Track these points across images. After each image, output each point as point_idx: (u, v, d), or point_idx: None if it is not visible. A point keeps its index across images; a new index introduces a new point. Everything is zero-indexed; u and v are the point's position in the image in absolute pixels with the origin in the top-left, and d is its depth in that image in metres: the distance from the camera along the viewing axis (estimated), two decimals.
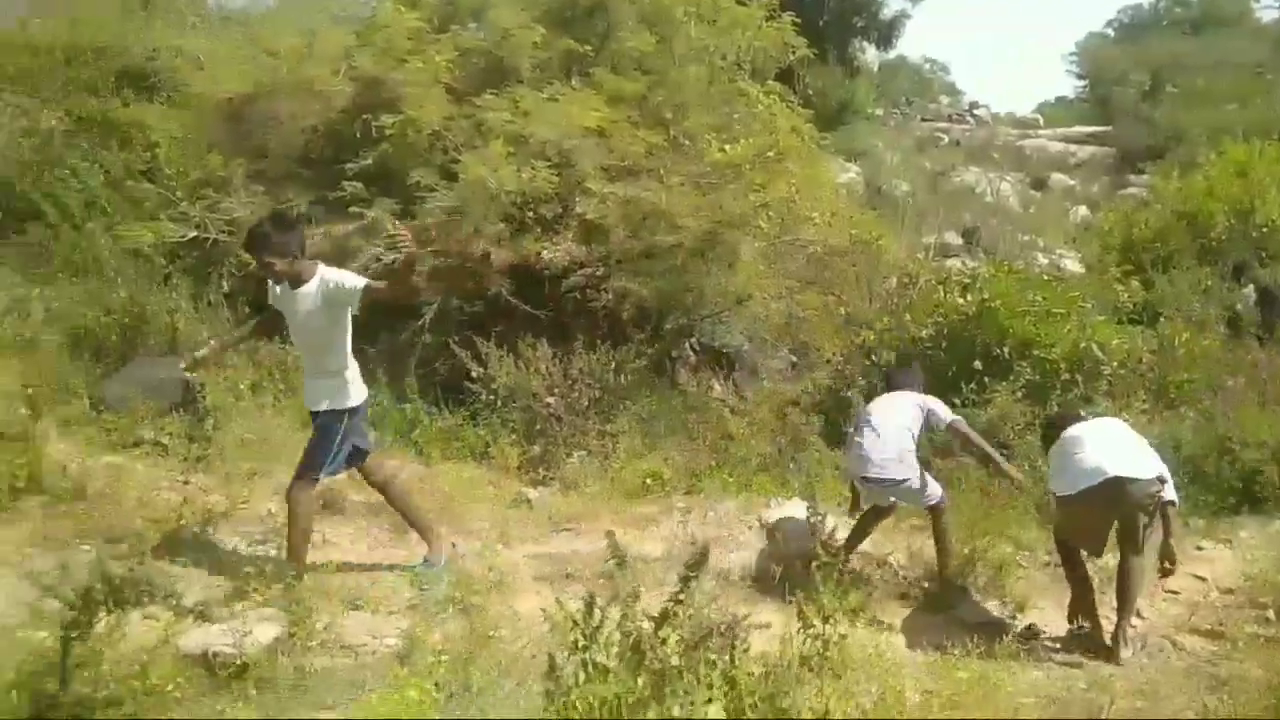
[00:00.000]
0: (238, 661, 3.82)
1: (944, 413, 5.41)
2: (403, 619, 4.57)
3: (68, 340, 6.90)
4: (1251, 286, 11.71)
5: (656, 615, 2.78)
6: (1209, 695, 3.98)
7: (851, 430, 5.67)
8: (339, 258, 7.35)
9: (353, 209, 7.37)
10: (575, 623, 3.12)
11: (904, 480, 5.09)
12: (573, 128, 7.62)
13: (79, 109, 10.38)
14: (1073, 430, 5.04)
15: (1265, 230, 12.45)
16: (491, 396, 6.76)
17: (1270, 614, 4.93)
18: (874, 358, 8.12)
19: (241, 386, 6.61)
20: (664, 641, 2.75)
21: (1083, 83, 36.28)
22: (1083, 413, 5.66)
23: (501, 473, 6.35)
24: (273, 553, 5.21)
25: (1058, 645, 4.69)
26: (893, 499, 5.28)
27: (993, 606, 4.97)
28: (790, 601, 3.92)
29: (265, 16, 11.31)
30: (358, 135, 7.81)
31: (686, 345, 9.39)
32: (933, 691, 3.76)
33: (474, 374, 6.82)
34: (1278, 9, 37.08)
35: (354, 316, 4.55)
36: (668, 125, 8.53)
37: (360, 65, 8.03)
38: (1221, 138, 15.84)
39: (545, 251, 7.74)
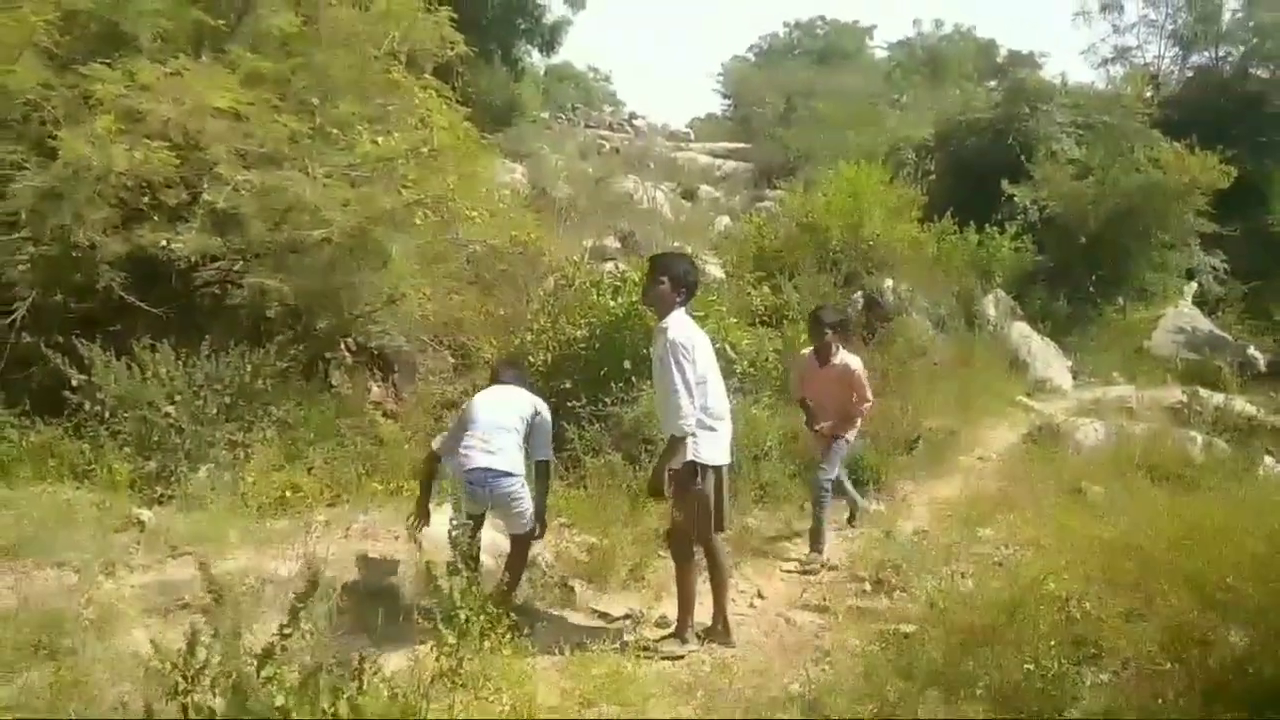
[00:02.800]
0: None
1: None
2: None
3: None
4: (860, 293, 13.38)
5: (259, 654, 2.53)
6: (814, 666, 4.40)
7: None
8: None
9: None
10: (174, 665, 2.79)
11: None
12: (201, 107, 6.90)
13: None
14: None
15: (871, 244, 14.25)
16: (97, 407, 5.93)
17: (867, 586, 5.59)
18: (530, 359, 8.19)
19: None
20: (269, 680, 2.52)
21: (728, 102, 39.54)
22: None
23: (109, 492, 5.58)
24: None
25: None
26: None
27: (632, 598, 5.16)
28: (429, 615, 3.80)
29: None
30: None
31: (341, 345, 8.93)
32: (568, 691, 3.81)
33: (74, 382, 5.94)
34: (887, 49, 42.63)
35: None
36: (314, 112, 8.01)
37: None
38: (839, 159, 17.91)
39: (170, 243, 6.96)
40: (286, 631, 2.58)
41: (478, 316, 9.41)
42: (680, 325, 4.57)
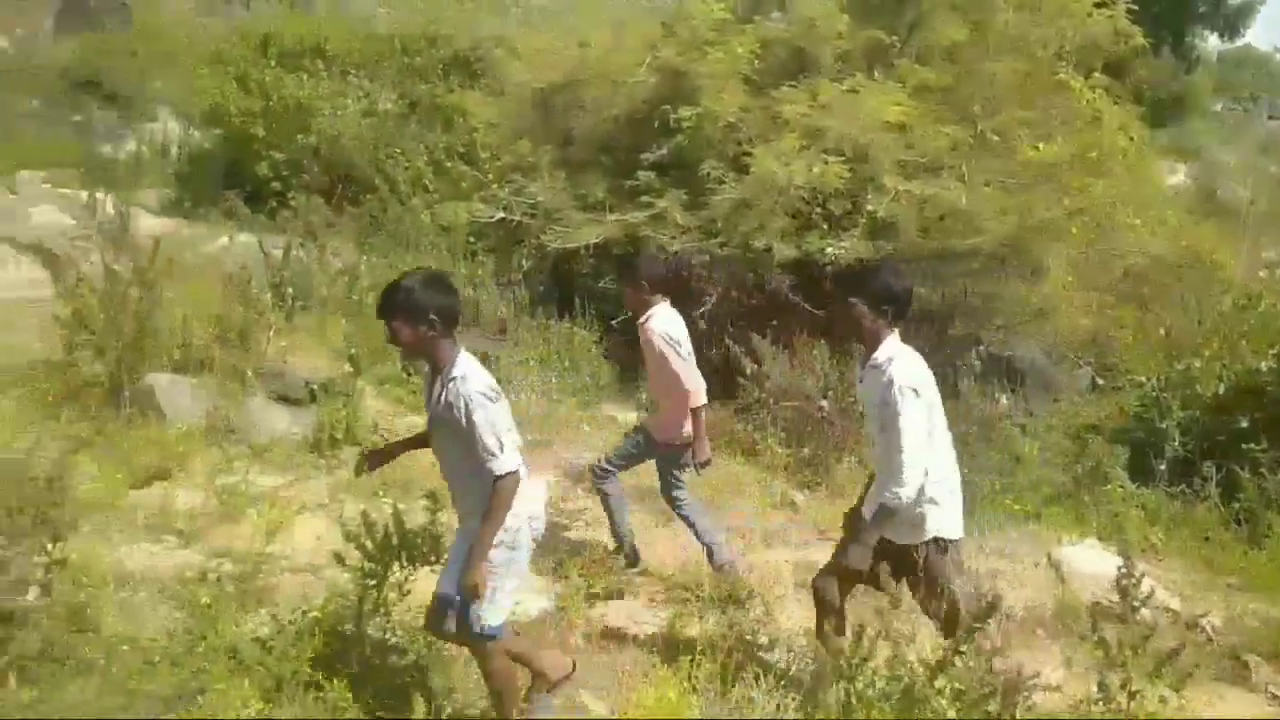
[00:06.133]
0: None
1: None
2: (663, 609, 4.59)
3: None
4: None
5: (933, 663, 2.56)
6: None
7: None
8: (628, 244, 7.58)
9: (643, 198, 7.53)
10: (842, 650, 2.98)
11: None
12: (871, 121, 7.33)
13: (410, 93, 11.50)
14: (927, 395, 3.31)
15: None
16: (762, 393, 6.67)
17: None
18: (1197, 388, 7.15)
19: (531, 361, 6.97)
20: (939, 692, 2.54)
21: None
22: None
23: (768, 472, 6.24)
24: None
25: None
26: None
27: None
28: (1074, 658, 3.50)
29: (579, 5, 11.91)
30: (656, 126, 7.98)
31: (972, 353, 8.82)
32: None
33: (748, 370, 6.74)
34: None
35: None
36: (975, 120, 7.99)
37: (663, 56, 8.18)
38: None
39: (830, 248, 7.53)
40: (962, 649, 2.57)
41: (1132, 335, 8.53)
42: (905, 360, 3.33)
